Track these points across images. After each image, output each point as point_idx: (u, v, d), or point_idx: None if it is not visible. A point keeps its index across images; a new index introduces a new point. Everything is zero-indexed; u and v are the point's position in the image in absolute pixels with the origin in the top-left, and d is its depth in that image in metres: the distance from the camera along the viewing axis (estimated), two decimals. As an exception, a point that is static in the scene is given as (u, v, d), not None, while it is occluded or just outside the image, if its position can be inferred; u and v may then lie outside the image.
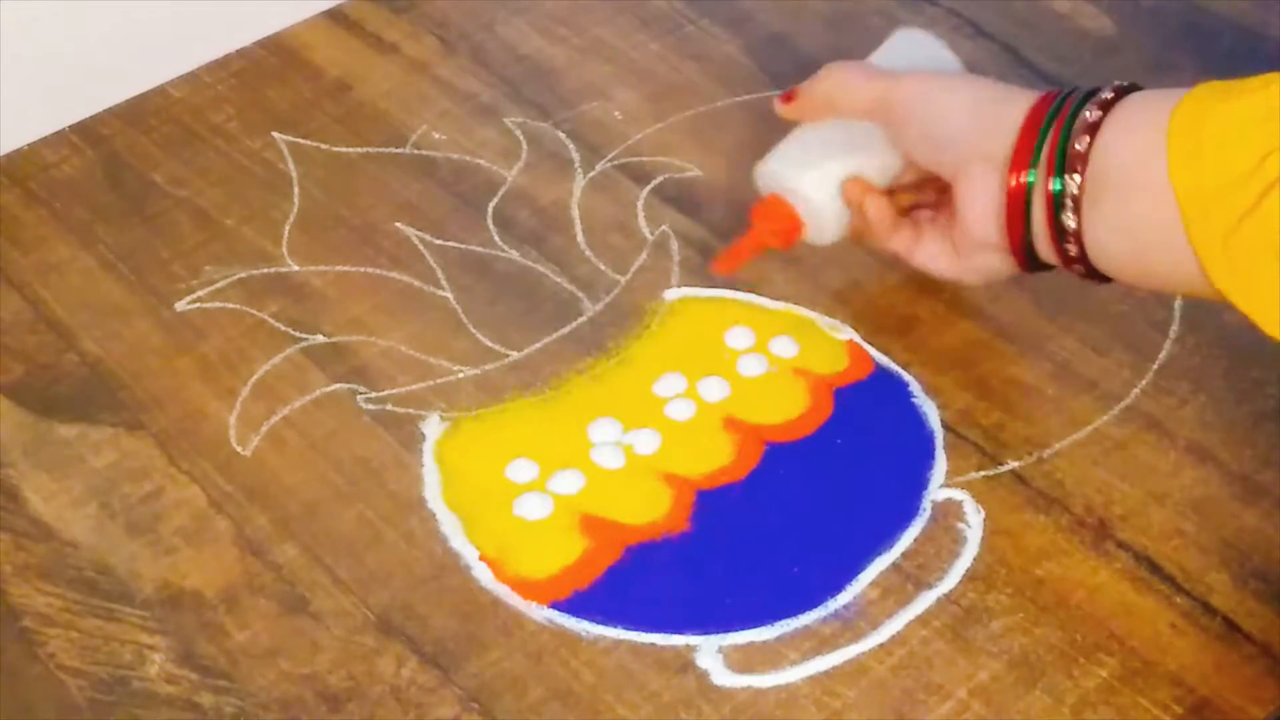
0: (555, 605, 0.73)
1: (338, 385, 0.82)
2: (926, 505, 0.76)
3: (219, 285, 0.87)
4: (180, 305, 0.86)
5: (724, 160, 0.93)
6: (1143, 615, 0.72)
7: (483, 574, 0.74)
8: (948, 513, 0.76)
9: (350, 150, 0.94)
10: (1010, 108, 0.74)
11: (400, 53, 1.00)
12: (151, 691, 0.71)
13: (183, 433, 0.80)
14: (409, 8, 1.03)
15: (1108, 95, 0.72)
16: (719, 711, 0.70)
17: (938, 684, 0.70)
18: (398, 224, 0.90)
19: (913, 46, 0.83)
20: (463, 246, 0.88)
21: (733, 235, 0.81)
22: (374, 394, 0.82)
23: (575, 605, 0.73)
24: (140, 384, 0.83)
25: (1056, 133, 0.72)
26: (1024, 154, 0.73)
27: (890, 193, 0.81)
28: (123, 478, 0.79)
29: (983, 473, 0.78)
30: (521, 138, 0.95)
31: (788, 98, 0.82)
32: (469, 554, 0.75)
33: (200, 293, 0.87)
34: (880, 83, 0.79)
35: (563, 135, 0.95)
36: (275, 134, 0.95)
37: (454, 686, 0.71)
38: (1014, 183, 0.73)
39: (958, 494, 0.77)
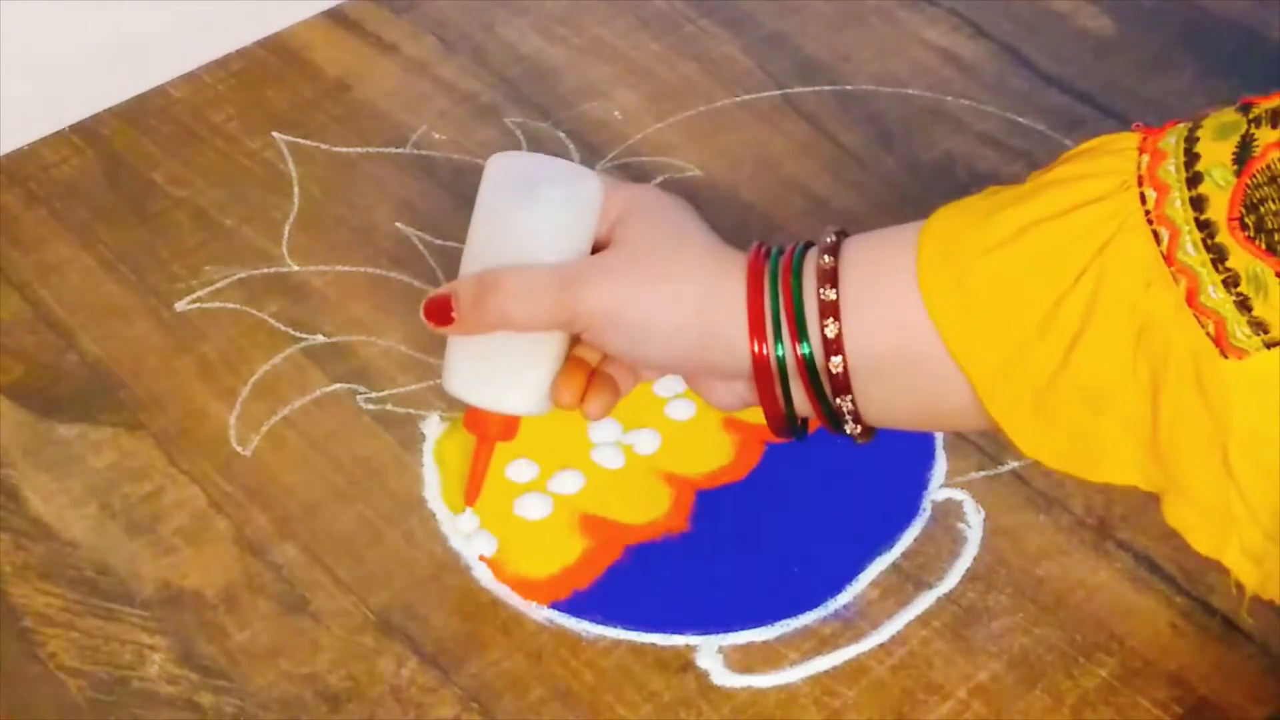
0: (555, 605, 0.73)
1: (338, 385, 0.82)
2: (926, 505, 0.76)
3: (219, 285, 0.87)
4: (180, 305, 0.86)
5: (724, 160, 0.93)
6: (1143, 615, 0.72)
7: (483, 574, 0.75)
8: (948, 512, 0.76)
9: (350, 150, 0.94)
10: (719, 303, 0.66)
11: (400, 53, 1.00)
12: (151, 691, 0.71)
13: (183, 433, 0.80)
14: (409, 8, 1.03)
15: (828, 262, 0.65)
16: (719, 711, 0.70)
17: (938, 684, 0.70)
18: (398, 224, 0.90)
19: (526, 181, 0.72)
20: (463, 246, 0.88)
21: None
22: (374, 394, 0.82)
23: (575, 605, 0.73)
24: (140, 384, 0.83)
25: (789, 305, 0.65)
26: (759, 326, 0.65)
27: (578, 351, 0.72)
28: (123, 478, 0.79)
29: (983, 472, 0.78)
30: (521, 138, 0.95)
31: (440, 316, 0.69)
32: (469, 554, 0.75)
33: (200, 293, 0.87)
34: (564, 301, 0.67)
35: (563, 135, 0.95)
36: (275, 134, 0.95)
37: (454, 686, 0.71)
38: (759, 352, 0.65)
39: (958, 494, 0.77)
